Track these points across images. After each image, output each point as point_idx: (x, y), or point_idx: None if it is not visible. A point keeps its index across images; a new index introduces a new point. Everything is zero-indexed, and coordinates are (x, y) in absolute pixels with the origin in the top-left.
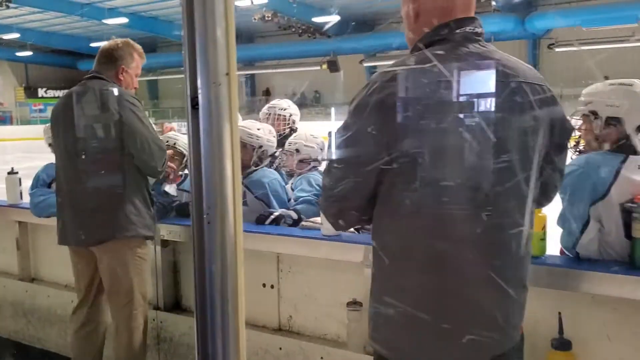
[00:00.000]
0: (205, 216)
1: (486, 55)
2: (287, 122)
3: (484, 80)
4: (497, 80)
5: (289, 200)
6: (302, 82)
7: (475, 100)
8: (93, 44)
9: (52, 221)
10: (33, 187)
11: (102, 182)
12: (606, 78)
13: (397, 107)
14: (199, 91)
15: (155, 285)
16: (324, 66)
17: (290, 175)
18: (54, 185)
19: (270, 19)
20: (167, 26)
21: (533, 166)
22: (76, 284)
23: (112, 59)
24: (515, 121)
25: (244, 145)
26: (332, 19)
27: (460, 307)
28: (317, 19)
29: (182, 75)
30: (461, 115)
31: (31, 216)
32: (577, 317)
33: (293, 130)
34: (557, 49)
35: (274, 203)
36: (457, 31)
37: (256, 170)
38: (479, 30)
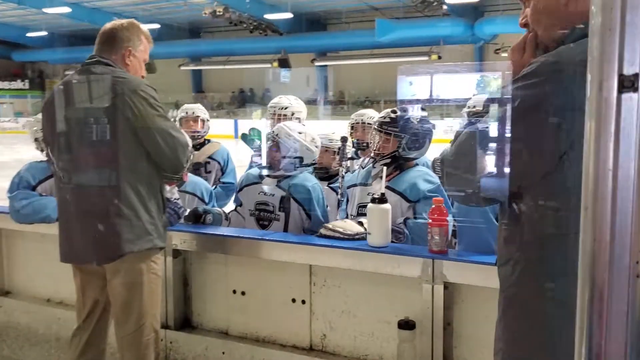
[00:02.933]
0: (636, 264)
1: None
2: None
3: None
4: None
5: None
6: (250, 79)
7: None
8: (30, 34)
9: (31, 227)
10: (13, 189)
11: (115, 186)
12: None
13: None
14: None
15: (164, 300)
16: (275, 64)
17: (326, 177)
18: (39, 188)
19: (221, 14)
20: (110, 18)
21: None
22: (79, 303)
23: (116, 39)
24: None
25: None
26: (285, 16)
27: None
28: (270, 16)
29: None
30: None
31: (5, 221)
32: None
33: None
34: (503, 54)
35: (318, 210)
36: None
37: (292, 174)
38: None
